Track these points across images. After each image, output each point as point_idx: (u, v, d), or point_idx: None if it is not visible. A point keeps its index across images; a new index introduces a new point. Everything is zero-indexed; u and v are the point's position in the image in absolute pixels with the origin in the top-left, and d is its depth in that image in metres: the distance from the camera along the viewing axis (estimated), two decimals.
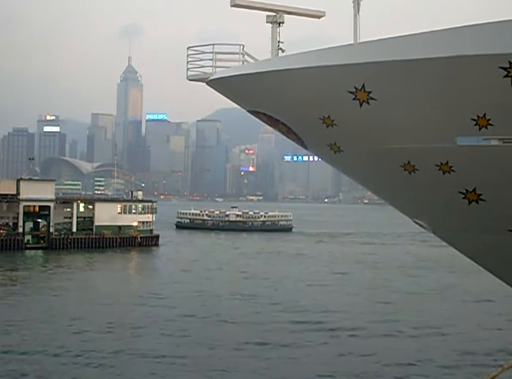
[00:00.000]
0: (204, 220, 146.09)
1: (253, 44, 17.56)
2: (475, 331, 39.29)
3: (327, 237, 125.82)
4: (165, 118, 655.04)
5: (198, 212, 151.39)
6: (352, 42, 14.46)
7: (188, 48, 16.42)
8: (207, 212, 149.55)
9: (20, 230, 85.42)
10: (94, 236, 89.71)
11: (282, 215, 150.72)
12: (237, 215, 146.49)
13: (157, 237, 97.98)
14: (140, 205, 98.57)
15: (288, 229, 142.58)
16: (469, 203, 14.49)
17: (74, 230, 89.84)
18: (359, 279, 63.03)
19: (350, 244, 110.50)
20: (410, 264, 77.74)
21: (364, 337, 37.38)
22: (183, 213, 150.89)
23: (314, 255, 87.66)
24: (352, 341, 36.43)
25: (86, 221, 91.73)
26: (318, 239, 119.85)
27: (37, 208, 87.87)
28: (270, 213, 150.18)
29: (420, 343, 35.96)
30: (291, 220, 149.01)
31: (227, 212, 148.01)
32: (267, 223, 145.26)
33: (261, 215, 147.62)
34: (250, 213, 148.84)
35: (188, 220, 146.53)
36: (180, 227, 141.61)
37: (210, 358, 32.49)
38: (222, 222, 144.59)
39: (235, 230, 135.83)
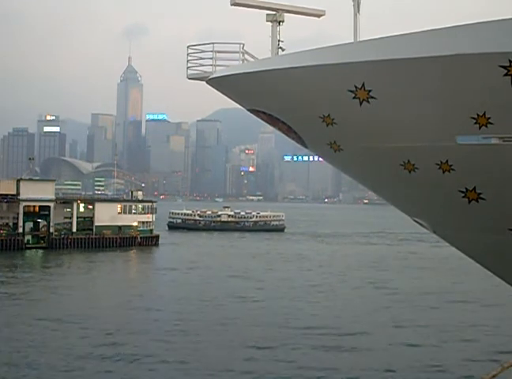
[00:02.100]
0: (196, 220, 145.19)
1: (255, 43, 17.55)
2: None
3: (319, 237, 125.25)
4: (165, 118, 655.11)
5: (190, 212, 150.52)
6: (352, 41, 14.47)
7: (188, 47, 16.43)
8: (199, 212, 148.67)
9: (20, 230, 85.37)
10: (94, 236, 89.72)
11: (274, 216, 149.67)
12: (229, 216, 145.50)
13: (157, 237, 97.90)
14: (140, 205, 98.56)
15: (280, 229, 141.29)
16: (469, 202, 14.49)
17: (74, 230, 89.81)
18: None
19: (343, 244, 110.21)
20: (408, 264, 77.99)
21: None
22: (175, 213, 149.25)
23: (308, 256, 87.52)
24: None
25: (86, 221, 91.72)
26: (310, 239, 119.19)
27: (37, 208, 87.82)
28: (262, 213, 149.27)
29: None
30: (283, 220, 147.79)
31: (219, 212, 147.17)
32: (259, 223, 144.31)
33: (253, 216, 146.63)
34: (242, 213, 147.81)
35: (180, 220, 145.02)
36: (172, 227, 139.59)
37: (209, 360, 32.47)
38: (214, 222, 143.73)
39: (227, 231, 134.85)
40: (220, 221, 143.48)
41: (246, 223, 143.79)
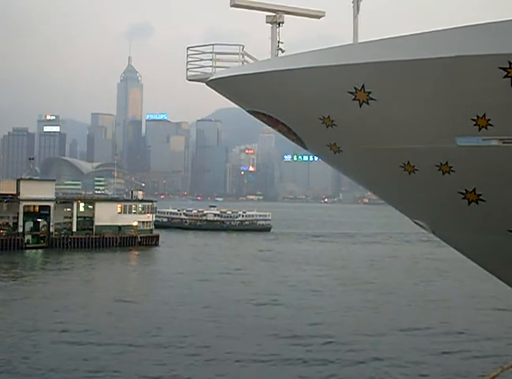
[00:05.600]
0: (181, 219, 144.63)
1: (258, 43, 17.49)
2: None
3: (308, 237, 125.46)
4: (165, 118, 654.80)
5: (176, 211, 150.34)
6: (352, 42, 14.47)
7: (188, 48, 16.40)
8: (184, 211, 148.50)
9: (20, 230, 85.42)
10: (94, 236, 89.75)
11: (260, 215, 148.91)
12: (215, 215, 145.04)
13: (157, 237, 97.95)
14: (140, 205, 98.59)
15: (266, 229, 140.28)
16: (469, 203, 14.49)
17: (74, 229, 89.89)
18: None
19: (329, 244, 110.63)
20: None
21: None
22: (161, 212, 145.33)
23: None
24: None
25: (86, 221, 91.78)
26: (297, 240, 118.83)
27: (37, 208, 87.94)
28: (248, 213, 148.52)
29: None
30: (269, 220, 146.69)
31: (205, 212, 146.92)
32: (245, 222, 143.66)
33: (240, 215, 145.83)
34: (228, 213, 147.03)
35: (166, 219, 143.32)
36: (158, 226, 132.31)
37: (208, 363, 32.52)
38: (200, 221, 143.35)
39: (213, 230, 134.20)
40: (206, 220, 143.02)
41: (232, 223, 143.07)
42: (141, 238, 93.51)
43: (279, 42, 16.14)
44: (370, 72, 12.90)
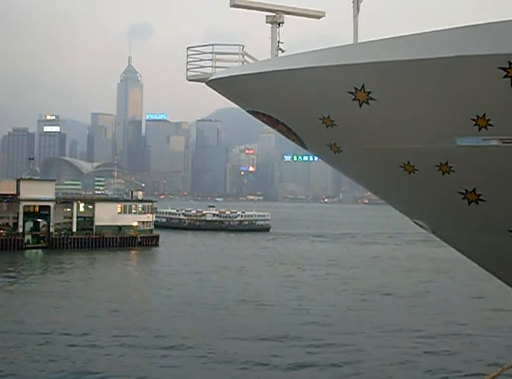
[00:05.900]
0: (180, 220, 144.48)
1: (259, 43, 17.48)
2: None
3: (308, 237, 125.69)
4: (165, 118, 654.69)
5: (175, 211, 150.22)
6: (352, 42, 14.47)
7: (188, 48, 16.41)
8: (183, 211, 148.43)
9: (20, 230, 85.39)
10: (94, 236, 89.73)
11: (259, 215, 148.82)
12: (214, 215, 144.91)
13: (157, 237, 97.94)
14: (140, 205, 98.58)
15: (265, 229, 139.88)
16: (469, 203, 14.50)
17: (74, 230, 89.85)
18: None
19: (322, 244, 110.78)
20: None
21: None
22: (160, 212, 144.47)
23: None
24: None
25: (86, 221, 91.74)
26: (297, 240, 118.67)
27: (37, 208, 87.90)
28: (247, 213, 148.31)
29: None
30: (268, 220, 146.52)
31: (204, 212, 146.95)
32: (244, 222, 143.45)
33: (239, 215, 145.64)
34: (227, 213, 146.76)
35: (165, 219, 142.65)
36: (157, 226, 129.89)
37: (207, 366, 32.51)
38: (199, 221, 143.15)
39: (212, 230, 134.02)
40: (205, 220, 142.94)
41: (231, 223, 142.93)
42: (141, 238, 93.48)
43: (279, 42, 16.14)
44: (370, 72, 12.90)
